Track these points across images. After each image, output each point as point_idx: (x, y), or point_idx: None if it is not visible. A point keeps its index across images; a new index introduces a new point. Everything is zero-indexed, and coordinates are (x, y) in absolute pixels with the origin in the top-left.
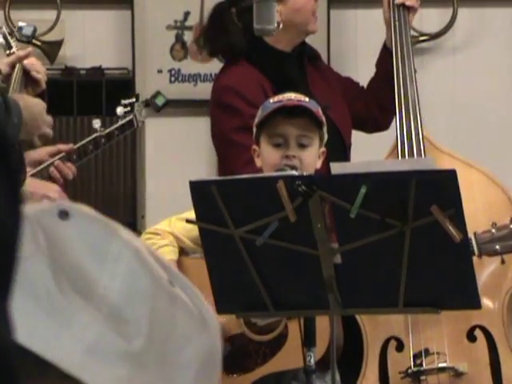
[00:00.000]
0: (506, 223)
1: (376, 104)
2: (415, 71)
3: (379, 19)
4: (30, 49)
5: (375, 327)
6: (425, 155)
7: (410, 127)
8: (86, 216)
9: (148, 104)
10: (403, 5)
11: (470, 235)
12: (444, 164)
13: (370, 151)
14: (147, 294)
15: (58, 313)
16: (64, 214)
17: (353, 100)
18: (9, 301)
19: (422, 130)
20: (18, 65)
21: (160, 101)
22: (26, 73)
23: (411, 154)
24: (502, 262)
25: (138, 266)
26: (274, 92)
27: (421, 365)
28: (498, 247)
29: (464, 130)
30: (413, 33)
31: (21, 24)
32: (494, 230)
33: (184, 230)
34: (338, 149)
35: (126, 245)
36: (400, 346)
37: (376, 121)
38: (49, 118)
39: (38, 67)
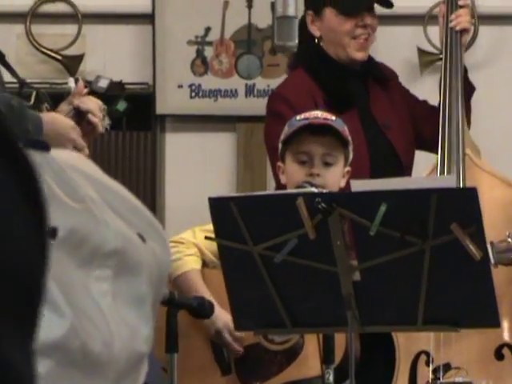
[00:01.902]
0: None
1: None
2: (474, 89)
3: (399, 36)
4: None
5: (408, 340)
6: (464, 174)
7: (451, 145)
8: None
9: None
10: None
11: (487, 244)
12: (484, 182)
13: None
14: None
15: None
16: None
17: (422, 122)
18: (33, 340)
19: (463, 148)
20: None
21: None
22: (81, 115)
23: (450, 171)
24: None
25: None
26: (326, 103)
27: (439, 378)
28: None
29: (486, 146)
30: (434, 50)
31: (98, 75)
32: (510, 240)
33: (206, 242)
34: (394, 168)
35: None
36: (429, 361)
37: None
38: (76, 139)
39: (95, 111)
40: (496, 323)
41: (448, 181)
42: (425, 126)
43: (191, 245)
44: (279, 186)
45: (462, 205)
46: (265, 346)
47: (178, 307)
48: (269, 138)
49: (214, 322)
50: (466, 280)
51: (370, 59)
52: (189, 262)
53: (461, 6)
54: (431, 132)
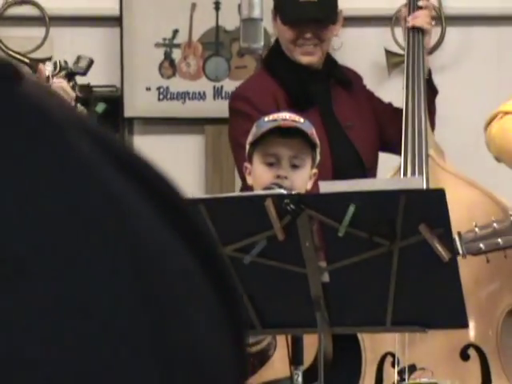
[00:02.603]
0: (489, 222)
1: None
2: (437, 92)
3: (366, 38)
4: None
5: (374, 342)
6: (427, 174)
7: (415, 147)
8: None
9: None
10: (417, 28)
11: (455, 235)
12: (448, 183)
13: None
14: None
15: None
16: None
17: (386, 123)
18: None
19: (427, 150)
20: None
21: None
22: None
23: (414, 173)
24: (487, 261)
25: None
26: (288, 104)
27: (404, 380)
28: (481, 246)
29: (452, 145)
30: (401, 51)
31: (79, 56)
32: (477, 229)
33: None
34: (354, 169)
35: None
36: (395, 362)
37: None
38: None
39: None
40: (464, 324)
41: (416, 182)
42: (389, 129)
43: None
44: (245, 185)
45: (430, 206)
46: None
47: None
48: (233, 137)
49: None
50: (434, 281)
51: (332, 61)
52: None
53: (421, 7)
54: (395, 134)
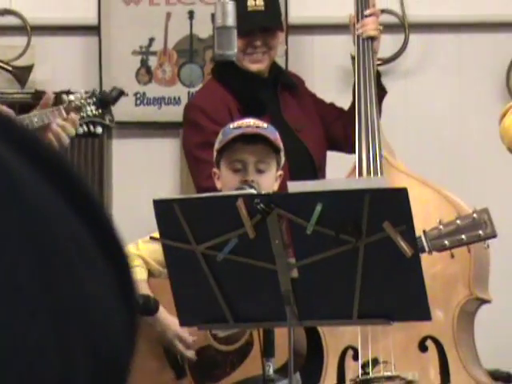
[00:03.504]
0: (453, 220)
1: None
2: (386, 92)
3: (334, 45)
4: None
5: (334, 337)
6: (382, 174)
7: (369, 147)
8: None
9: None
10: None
11: (420, 233)
12: (401, 182)
13: (335, 171)
14: None
15: None
16: None
17: (331, 123)
18: None
19: (380, 151)
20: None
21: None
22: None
23: (369, 172)
24: (452, 256)
25: None
26: (240, 111)
27: (368, 373)
28: (446, 242)
29: (415, 148)
30: None
31: (115, 86)
32: (441, 227)
33: (150, 252)
34: (307, 169)
35: None
36: (356, 356)
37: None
38: None
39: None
40: (427, 316)
41: (380, 182)
42: (334, 127)
43: (135, 257)
44: (199, 191)
45: (394, 204)
46: (216, 348)
47: None
48: (188, 148)
49: (164, 332)
50: (398, 276)
51: (278, 68)
52: (135, 274)
53: (368, 15)
54: (341, 132)
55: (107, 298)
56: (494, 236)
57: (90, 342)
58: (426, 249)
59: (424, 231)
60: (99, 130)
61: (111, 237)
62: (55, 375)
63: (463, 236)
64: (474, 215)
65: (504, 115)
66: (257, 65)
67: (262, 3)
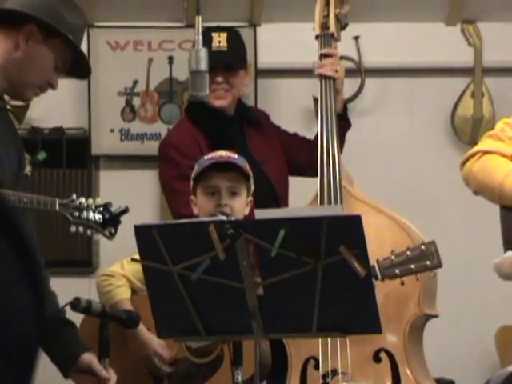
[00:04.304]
0: (403, 250)
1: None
2: (350, 126)
3: (299, 88)
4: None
5: (298, 348)
6: (341, 202)
7: (330, 178)
8: None
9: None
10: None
11: (374, 263)
12: (358, 210)
13: (298, 198)
14: None
15: None
16: None
17: (295, 151)
18: None
19: (340, 181)
20: None
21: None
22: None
23: (330, 201)
24: (402, 283)
25: None
26: (209, 147)
27: (328, 383)
28: (397, 271)
29: (370, 180)
30: None
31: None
32: (393, 257)
33: (133, 271)
34: (270, 199)
35: None
36: (317, 365)
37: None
38: None
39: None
40: (378, 329)
41: (336, 209)
42: (297, 155)
43: (120, 276)
44: (176, 218)
45: (349, 230)
46: (191, 360)
47: (109, 319)
48: (165, 181)
49: (143, 346)
50: (352, 293)
51: (244, 106)
52: (119, 293)
53: (325, 55)
54: (303, 160)
55: (16, 287)
56: (440, 266)
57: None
58: (379, 276)
59: (377, 260)
60: (94, 235)
61: (24, 245)
62: None
63: (412, 266)
64: (422, 247)
65: (467, 160)
66: (219, 101)
67: (226, 44)
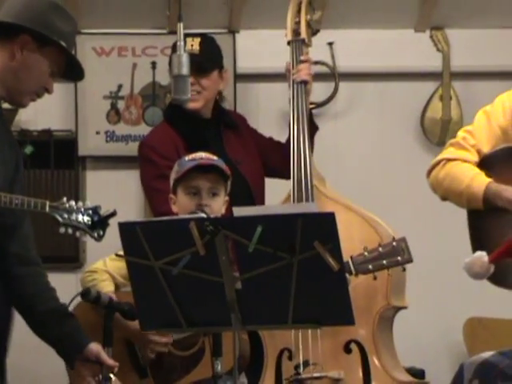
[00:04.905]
0: (376, 247)
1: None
2: (317, 129)
3: (276, 91)
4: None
5: (273, 339)
6: (313, 200)
7: (301, 178)
8: None
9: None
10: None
11: (348, 259)
12: (328, 207)
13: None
14: None
15: None
16: None
17: (271, 154)
18: None
19: (311, 180)
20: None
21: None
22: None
23: (301, 199)
24: (374, 278)
25: None
26: (186, 149)
27: (300, 374)
28: (370, 267)
29: (344, 181)
30: None
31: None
32: (366, 253)
33: (116, 268)
34: (245, 198)
35: None
36: (291, 356)
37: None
38: None
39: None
40: (351, 321)
41: (311, 207)
42: (272, 158)
43: (103, 272)
44: (157, 215)
45: (323, 226)
46: (174, 353)
47: (114, 310)
48: (145, 180)
49: (140, 336)
50: (326, 287)
51: (221, 109)
52: (103, 286)
53: (302, 61)
54: (278, 162)
55: None
56: (410, 261)
57: None
58: (353, 272)
59: (351, 257)
60: (83, 237)
61: None
62: None
63: (384, 261)
64: (394, 243)
65: (432, 168)
66: (192, 103)
67: (198, 48)
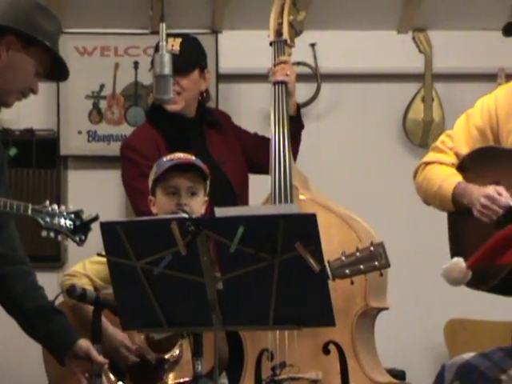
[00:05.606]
0: (353, 252)
1: None
2: (303, 127)
3: (258, 92)
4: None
5: (253, 340)
6: (292, 201)
7: (281, 178)
8: None
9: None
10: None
11: (325, 263)
12: (308, 208)
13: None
14: None
15: None
16: None
17: (256, 151)
18: None
19: (291, 181)
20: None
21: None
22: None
23: (281, 200)
24: (352, 283)
25: None
26: (168, 149)
27: (277, 375)
28: (347, 271)
29: (326, 181)
30: None
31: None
32: (343, 258)
33: (95, 271)
34: (228, 197)
35: None
36: (271, 357)
37: None
38: None
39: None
40: (332, 322)
41: (292, 208)
42: (257, 154)
43: (82, 276)
44: (138, 215)
45: (304, 227)
46: (152, 355)
47: (102, 306)
48: (126, 181)
49: (112, 340)
50: (307, 288)
51: (204, 109)
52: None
53: (280, 62)
54: (262, 158)
55: None
56: (388, 266)
57: None
58: (330, 276)
59: (328, 261)
60: (65, 240)
61: None
62: None
63: (361, 266)
64: (371, 248)
65: (416, 172)
66: (172, 106)
67: (178, 48)
